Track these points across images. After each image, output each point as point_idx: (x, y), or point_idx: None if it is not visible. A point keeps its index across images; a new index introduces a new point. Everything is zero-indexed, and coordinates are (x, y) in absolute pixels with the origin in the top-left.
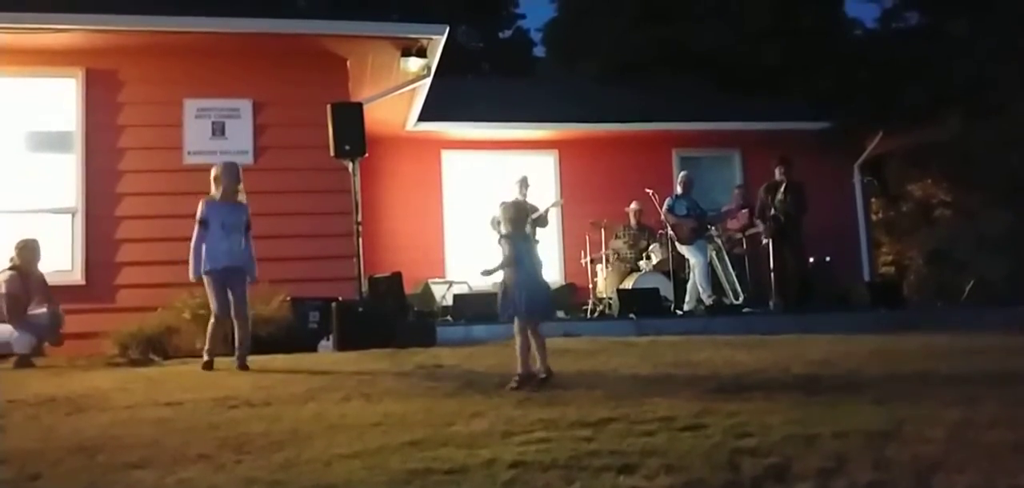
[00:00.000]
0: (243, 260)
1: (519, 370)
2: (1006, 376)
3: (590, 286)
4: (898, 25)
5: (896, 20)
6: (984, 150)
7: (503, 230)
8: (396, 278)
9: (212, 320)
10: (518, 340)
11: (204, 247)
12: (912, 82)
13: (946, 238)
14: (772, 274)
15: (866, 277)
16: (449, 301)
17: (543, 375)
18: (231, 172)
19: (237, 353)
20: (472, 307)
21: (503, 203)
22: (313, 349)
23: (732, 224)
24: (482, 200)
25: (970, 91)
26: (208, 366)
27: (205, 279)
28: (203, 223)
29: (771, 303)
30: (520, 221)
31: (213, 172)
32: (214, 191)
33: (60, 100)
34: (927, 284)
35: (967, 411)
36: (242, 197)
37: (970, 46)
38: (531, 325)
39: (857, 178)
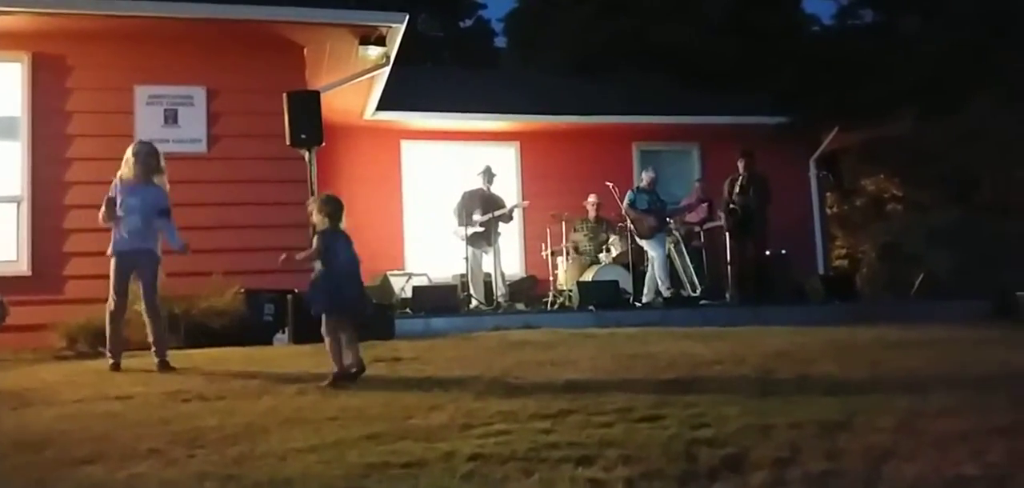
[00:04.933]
0: (148, 244)
1: (334, 368)
2: (953, 367)
3: (550, 278)
4: (853, 22)
5: (852, 17)
6: (935, 146)
7: (316, 225)
8: None
9: (108, 310)
10: (327, 339)
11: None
12: (867, 78)
13: (897, 232)
14: (729, 267)
15: (820, 270)
16: (408, 293)
17: (355, 369)
18: (140, 154)
19: (154, 351)
20: (431, 299)
21: (316, 197)
22: (268, 342)
23: (691, 217)
24: (442, 191)
25: (922, 88)
26: (115, 367)
27: (111, 262)
28: (110, 202)
29: (728, 295)
30: (336, 216)
31: (128, 151)
32: (126, 170)
33: (5, 85)
34: (878, 277)
35: (916, 401)
36: (159, 180)
37: (922, 44)
38: (341, 322)
39: (813, 172)
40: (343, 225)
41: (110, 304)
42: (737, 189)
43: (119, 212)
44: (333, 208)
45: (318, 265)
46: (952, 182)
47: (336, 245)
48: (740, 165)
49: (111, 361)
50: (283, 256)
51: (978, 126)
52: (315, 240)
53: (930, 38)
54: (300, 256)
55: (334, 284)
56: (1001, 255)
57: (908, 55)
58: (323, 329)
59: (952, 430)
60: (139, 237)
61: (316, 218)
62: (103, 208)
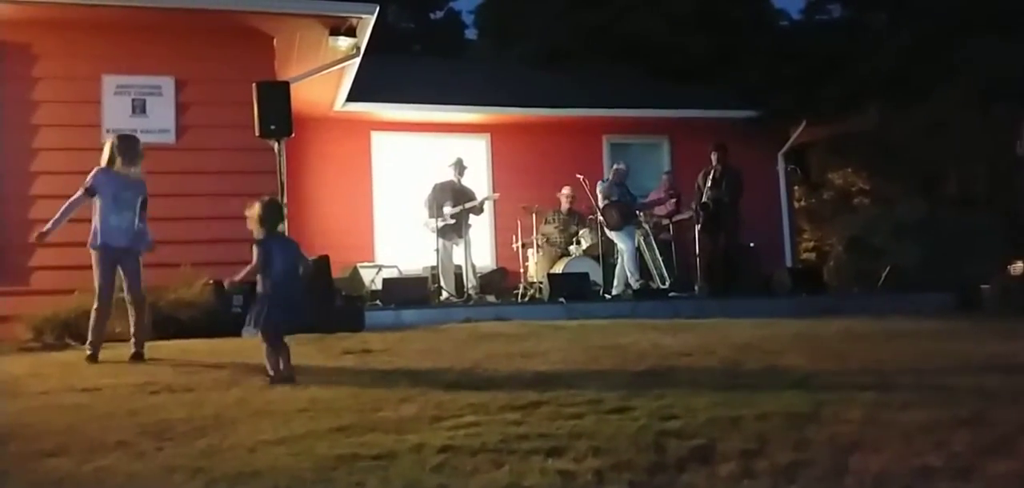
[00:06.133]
0: (135, 239)
1: (270, 372)
2: (918, 359)
3: (521, 270)
4: (821, 17)
5: (820, 12)
6: (901, 141)
7: (254, 234)
8: (324, 261)
9: (95, 306)
10: (265, 347)
11: (96, 220)
12: (834, 73)
13: (864, 226)
14: (698, 259)
15: (788, 263)
16: (378, 285)
17: (287, 375)
18: (132, 146)
19: (133, 341)
20: (402, 291)
21: (252, 207)
22: (237, 334)
23: (660, 210)
24: (413, 183)
25: (889, 83)
26: (92, 359)
27: (94, 255)
28: (90, 191)
29: (696, 288)
30: (272, 222)
31: (110, 141)
32: (119, 164)
33: None
34: (846, 270)
35: (882, 394)
36: (138, 174)
37: (889, 39)
38: (281, 333)
39: (781, 166)
40: (282, 228)
41: (98, 300)
42: (709, 183)
43: (100, 204)
44: (269, 214)
45: (260, 277)
46: (918, 176)
47: (273, 254)
48: (713, 158)
49: (89, 352)
50: (227, 282)
51: (943, 120)
52: (254, 252)
53: (896, 33)
54: (241, 274)
55: (270, 294)
56: (965, 248)
57: (875, 50)
58: (260, 335)
59: (917, 421)
60: (129, 231)
61: (252, 225)
62: (77, 195)
